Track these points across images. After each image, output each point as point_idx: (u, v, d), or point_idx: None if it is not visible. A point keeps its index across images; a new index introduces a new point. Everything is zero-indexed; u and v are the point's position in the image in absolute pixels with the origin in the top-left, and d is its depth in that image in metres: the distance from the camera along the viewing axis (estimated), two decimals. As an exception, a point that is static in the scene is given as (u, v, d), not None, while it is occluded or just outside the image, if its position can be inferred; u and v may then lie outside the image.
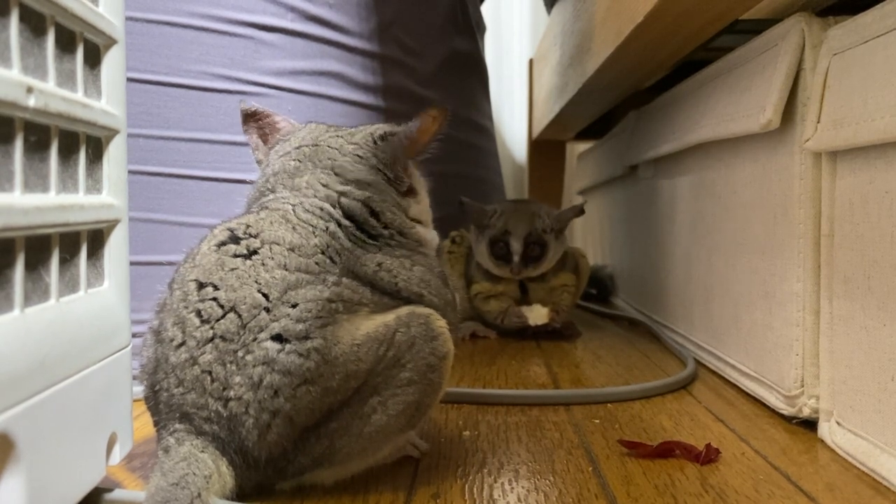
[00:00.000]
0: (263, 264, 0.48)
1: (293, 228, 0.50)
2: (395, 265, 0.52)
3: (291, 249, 0.49)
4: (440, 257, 0.62)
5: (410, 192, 0.58)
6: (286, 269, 0.48)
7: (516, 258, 1.05)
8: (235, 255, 0.48)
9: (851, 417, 0.57)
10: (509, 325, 1.10)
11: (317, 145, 0.57)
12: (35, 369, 0.35)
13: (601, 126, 1.68)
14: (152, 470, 0.45)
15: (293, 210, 0.52)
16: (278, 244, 0.49)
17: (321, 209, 0.53)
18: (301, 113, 0.88)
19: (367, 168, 0.56)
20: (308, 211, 0.52)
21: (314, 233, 0.51)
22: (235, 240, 0.49)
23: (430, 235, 0.59)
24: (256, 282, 0.47)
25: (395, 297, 0.51)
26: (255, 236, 0.49)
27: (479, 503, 0.49)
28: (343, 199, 0.54)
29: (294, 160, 0.56)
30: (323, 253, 0.50)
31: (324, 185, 0.54)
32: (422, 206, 0.59)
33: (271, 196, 0.55)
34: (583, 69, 1.20)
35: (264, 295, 0.47)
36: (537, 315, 1.08)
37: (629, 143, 1.30)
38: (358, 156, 0.56)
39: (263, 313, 0.46)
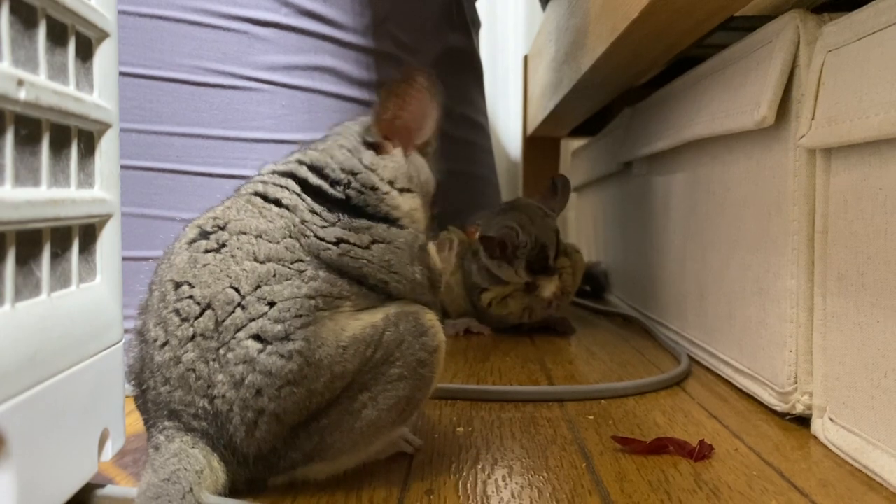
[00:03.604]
0: (233, 256, 0.47)
1: (259, 213, 0.49)
2: (353, 240, 0.49)
3: (259, 236, 0.48)
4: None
5: (378, 146, 0.54)
6: (256, 260, 0.47)
7: (552, 263, 1.05)
8: (206, 251, 0.48)
9: (844, 414, 0.57)
10: (536, 318, 1.09)
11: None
12: (26, 365, 0.35)
13: (596, 123, 1.68)
14: (144, 467, 0.45)
15: (263, 188, 0.51)
16: (245, 233, 0.48)
17: (288, 177, 0.52)
18: (295, 108, 0.88)
19: (349, 123, 0.56)
20: (276, 184, 0.52)
21: (279, 214, 0.50)
22: (205, 235, 0.49)
23: (404, 201, 0.54)
24: (228, 276, 0.46)
25: (366, 284, 0.50)
26: (223, 228, 0.49)
27: (472, 499, 0.49)
28: (311, 152, 0.53)
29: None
30: (290, 236, 0.49)
31: (307, 147, 0.55)
32: (390, 163, 0.54)
33: (265, 169, 0.55)
34: (577, 66, 1.20)
35: (236, 290, 0.46)
36: (547, 289, 1.07)
37: (623, 139, 1.30)
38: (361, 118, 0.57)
39: (238, 310, 0.46)
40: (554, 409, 0.70)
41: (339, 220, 0.50)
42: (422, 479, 0.52)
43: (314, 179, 0.52)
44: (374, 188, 0.53)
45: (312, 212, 0.50)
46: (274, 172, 0.53)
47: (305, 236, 0.49)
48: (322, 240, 0.49)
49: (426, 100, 0.54)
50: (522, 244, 1.03)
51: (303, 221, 0.49)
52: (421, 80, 0.53)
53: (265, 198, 0.51)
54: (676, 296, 1.01)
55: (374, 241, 0.50)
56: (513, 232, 1.04)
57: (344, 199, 0.52)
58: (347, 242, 0.49)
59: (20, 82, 0.34)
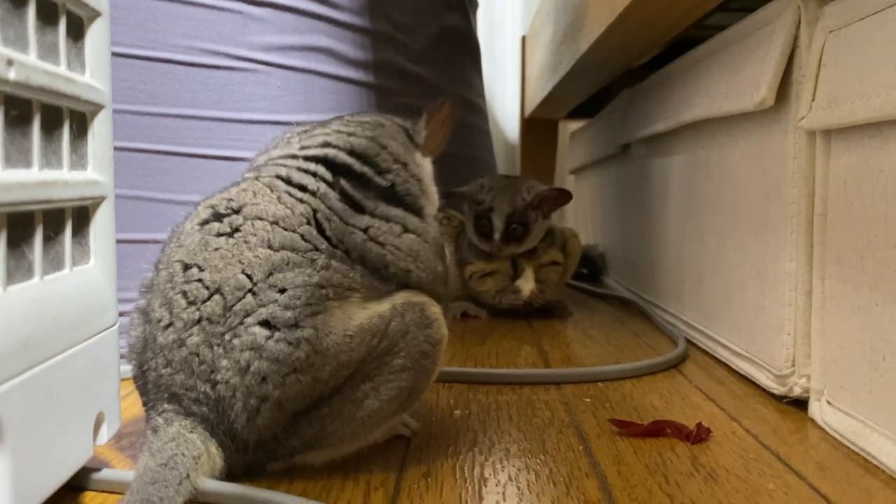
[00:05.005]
0: (246, 242, 0.47)
1: (278, 198, 0.49)
2: (384, 229, 0.50)
3: (275, 223, 0.47)
4: None
5: (420, 148, 0.58)
6: (270, 248, 0.46)
7: (497, 235, 1.04)
8: (219, 234, 0.47)
9: (842, 397, 0.57)
10: (507, 303, 1.09)
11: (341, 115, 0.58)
12: (19, 348, 0.35)
13: (594, 104, 1.67)
14: (141, 450, 0.45)
15: (286, 173, 0.51)
16: (261, 218, 0.48)
17: (321, 161, 0.51)
18: (290, 89, 0.87)
19: (384, 118, 0.58)
20: (302, 170, 0.51)
21: (301, 199, 0.49)
22: (218, 217, 0.48)
23: (435, 196, 0.58)
24: (240, 262, 0.46)
25: (384, 274, 0.50)
26: (238, 211, 0.48)
27: (469, 482, 0.49)
28: (353, 139, 0.53)
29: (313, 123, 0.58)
30: (309, 223, 0.48)
31: (336, 131, 0.54)
32: (427, 166, 0.58)
33: (276, 152, 0.54)
34: (576, 46, 1.19)
35: (248, 276, 0.46)
36: (526, 283, 1.09)
37: (622, 121, 1.29)
38: (379, 115, 0.59)
39: (249, 296, 0.45)
40: (551, 391, 0.70)
41: (377, 207, 0.51)
42: (419, 462, 0.52)
43: (359, 167, 0.52)
44: (420, 179, 0.55)
45: (344, 197, 0.50)
46: (296, 157, 0.52)
47: (330, 220, 0.49)
48: (350, 225, 0.49)
49: (449, 125, 0.59)
50: (479, 201, 1.06)
51: (329, 208, 0.49)
52: (446, 110, 0.59)
53: (288, 182, 0.50)
54: (674, 279, 1.01)
55: (405, 231, 0.51)
56: (477, 186, 1.08)
57: (388, 187, 0.53)
58: (378, 229, 0.50)
59: (9, 62, 0.34)
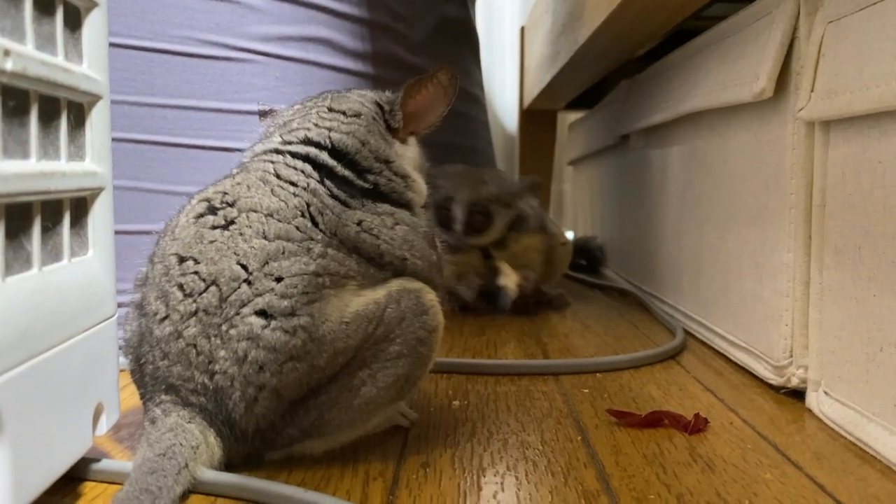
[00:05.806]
0: (241, 234, 0.47)
1: (271, 191, 0.49)
2: (376, 223, 0.50)
3: (269, 215, 0.47)
4: None
5: (399, 132, 0.56)
6: (265, 238, 0.47)
7: (458, 226, 1.01)
8: (213, 227, 0.47)
9: (839, 387, 0.57)
10: (468, 293, 1.04)
11: (319, 95, 0.57)
12: (17, 339, 0.35)
13: (593, 95, 1.67)
14: (139, 440, 0.45)
15: (274, 169, 0.51)
16: (256, 211, 0.48)
17: (305, 160, 0.51)
18: (289, 80, 0.87)
19: (362, 101, 0.56)
20: (290, 167, 0.51)
21: (294, 193, 0.49)
22: (213, 210, 0.48)
23: (422, 186, 0.57)
24: (235, 253, 0.46)
25: (379, 262, 0.50)
26: (232, 205, 0.48)
27: (468, 472, 0.49)
28: (333, 134, 0.53)
29: (292, 110, 0.56)
30: (303, 215, 0.48)
31: (315, 124, 0.53)
32: (410, 153, 0.57)
33: (259, 147, 0.54)
34: (575, 37, 1.19)
35: (243, 266, 0.46)
36: (507, 278, 1.04)
37: (621, 112, 1.29)
38: (359, 92, 0.57)
39: (244, 286, 0.45)
40: (549, 382, 0.70)
41: (364, 206, 0.51)
42: (418, 452, 0.52)
43: (341, 170, 0.52)
44: (404, 176, 0.54)
45: (333, 197, 0.50)
46: (281, 152, 0.52)
47: (322, 214, 0.49)
48: (343, 219, 0.49)
49: (440, 95, 0.55)
50: (436, 185, 1.00)
51: (321, 202, 0.49)
52: (442, 78, 0.54)
53: (278, 177, 0.50)
54: (672, 269, 1.01)
55: (397, 224, 0.51)
56: (434, 170, 1.05)
57: (371, 188, 0.52)
58: (371, 222, 0.50)
59: (6, 52, 0.34)
